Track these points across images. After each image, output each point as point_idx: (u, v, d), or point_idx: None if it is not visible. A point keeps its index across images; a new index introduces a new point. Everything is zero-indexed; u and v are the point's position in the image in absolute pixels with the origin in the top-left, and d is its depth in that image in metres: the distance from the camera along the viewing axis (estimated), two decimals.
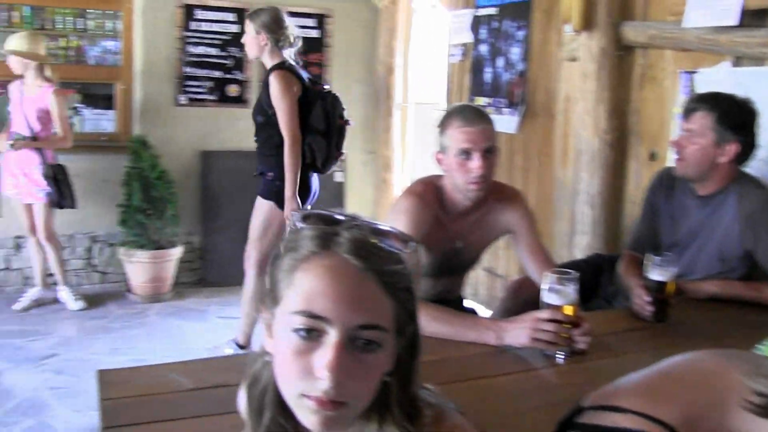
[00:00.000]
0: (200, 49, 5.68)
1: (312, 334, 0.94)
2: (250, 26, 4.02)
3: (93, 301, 5.28)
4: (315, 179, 4.17)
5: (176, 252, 5.42)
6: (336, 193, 6.09)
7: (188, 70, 5.67)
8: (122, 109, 5.68)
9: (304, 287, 0.95)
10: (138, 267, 5.29)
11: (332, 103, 4.06)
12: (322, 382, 0.92)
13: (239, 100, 5.82)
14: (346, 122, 4.16)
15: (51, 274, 5.17)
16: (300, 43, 4.11)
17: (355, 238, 0.98)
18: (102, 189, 5.43)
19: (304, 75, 4.05)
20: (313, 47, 5.97)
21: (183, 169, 5.66)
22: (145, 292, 5.33)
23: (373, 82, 6.24)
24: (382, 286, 0.96)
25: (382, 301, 0.97)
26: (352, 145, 6.05)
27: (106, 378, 1.77)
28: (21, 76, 4.82)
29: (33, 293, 5.09)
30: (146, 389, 1.73)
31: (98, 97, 5.73)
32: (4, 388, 3.82)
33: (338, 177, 6.07)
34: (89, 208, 5.40)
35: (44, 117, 4.82)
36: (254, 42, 4.01)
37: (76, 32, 5.56)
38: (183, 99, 5.69)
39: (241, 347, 4.24)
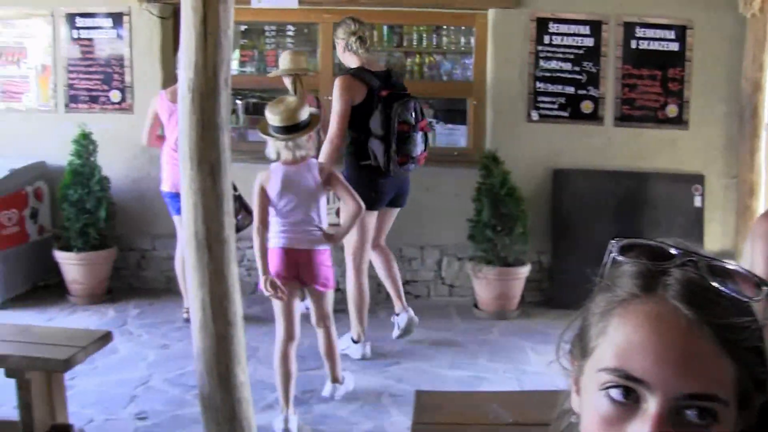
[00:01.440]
0: (553, 64, 5.53)
1: (627, 399, 0.72)
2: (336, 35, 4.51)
3: (439, 312, 5.41)
4: (389, 184, 4.39)
5: (524, 270, 5.32)
6: (694, 220, 5.49)
7: (540, 85, 5.56)
8: (474, 125, 5.76)
9: (619, 339, 0.75)
10: (485, 283, 5.30)
11: (397, 109, 4.25)
12: None
13: (593, 117, 5.55)
14: (411, 128, 4.29)
15: None
16: (364, 48, 4.44)
17: (689, 279, 0.75)
18: (453, 203, 5.54)
19: (375, 79, 4.33)
20: (672, 61, 5.50)
21: (533, 186, 5.55)
22: (491, 309, 5.31)
23: (737, 99, 5.51)
24: (720, 344, 0.72)
25: (720, 363, 0.72)
26: (711, 168, 5.45)
27: (423, 400, 1.70)
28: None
29: None
30: (462, 417, 1.63)
31: (451, 112, 5.89)
32: (351, 390, 4.02)
33: (697, 202, 5.48)
34: (441, 221, 5.56)
35: None
36: (338, 49, 4.53)
37: (430, 49, 5.80)
38: (535, 115, 5.59)
39: (355, 341, 4.52)
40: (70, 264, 5.42)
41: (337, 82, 4.33)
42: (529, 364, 4.46)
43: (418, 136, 4.38)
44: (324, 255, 3.67)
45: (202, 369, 2.72)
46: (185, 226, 2.46)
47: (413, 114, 4.36)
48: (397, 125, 4.26)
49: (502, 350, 4.70)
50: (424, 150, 4.46)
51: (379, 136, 4.27)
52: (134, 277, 5.93)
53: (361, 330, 4.52)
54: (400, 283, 4.79)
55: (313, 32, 5.99)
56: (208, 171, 2.35)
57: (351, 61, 4.47)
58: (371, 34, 4.72)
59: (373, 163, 4.30)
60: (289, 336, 3.59)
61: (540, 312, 5.46)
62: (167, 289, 5.83)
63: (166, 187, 5.00)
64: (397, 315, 4.71)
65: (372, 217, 4.38)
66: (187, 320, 5.07)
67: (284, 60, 5.05)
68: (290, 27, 6.16)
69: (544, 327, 5.12)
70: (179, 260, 4.85)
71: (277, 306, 3.61)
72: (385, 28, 5.87)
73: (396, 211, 4.73)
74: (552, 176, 5.59)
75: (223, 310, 2.56)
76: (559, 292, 5.55)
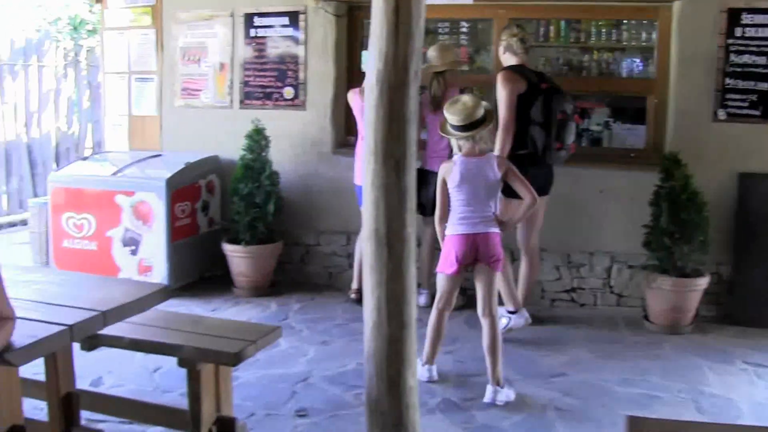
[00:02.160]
0: (745, 58, 5.07)
1: None
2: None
3: (606, 323, 5.13)
4: (541, 173, 4.62)
5: (702, 282, 4.93)
6: None
7: (730, 82, 5.11)
8: (653, 124, 5.41)
9: None
10: (658, 293, 4.94)
11: (557, 100, 4.60)
12: None
13: None
14: (568, 117, 4.64)
15: None
16: (524, 49, 4.71)
17: None
18: (627, 207, 5.25)
19: (533, 75, 4.69)
20: None
21: (717, 191, 5.14)
22: (663, 322, 4.96)
23: None
24: None
25: None
26: None
27: (637, 427, 1.51)
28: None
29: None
30: None
31: (628, 111, 5.57)
32: (512, 399, 3.86)
33: None
34: (613, 225, 5.28)
35: None
36: (499, 50, 4.85)
37: (609, 44, 5.52)
38: (722, 114, 5.15)
39: (512, 312, 4.76)
40: (237, 256, 5.57)
41: (501, 76, 4.63)
42: (708, 384, 4.09)
43: (573, 126, 4.73)
44: (498, 237, 3.93)
45: (372, 371, 2.64)
46: (365, 222, 2.38)
47: (569, 105, 4.70)
48: (558, 114, 4.62)
49: (676, 367, 4.35)
50: (575, 140, 4.80)
51: (539, 123, 4.58)
52: (297, 271, 6.02)
53: (514, 302, 4.79)
54: (527, 287, 4.98)
55: (487, 29, 5.86)
56: (392, 166, 2.26)
57: (510, 61, 4.76)
58: (530, 38, 4.95)
59: (529, 151, 4.59)
60: (448, 304, 4.04)
61: (716, 328, 5.05)
62: (329, 284, 5.89)
63: (358, 180, 5.16)
64: (514, 312, 4.78)
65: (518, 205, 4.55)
66: (356, 300, 5.13)
67: (432, 55, 5.10)
68: (464, 24, 6.07)
69: (722, 345, 4.73)
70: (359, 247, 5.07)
71: (444, 281, 3.99)
72: (562, 23, 5.64)
73: (545, 198, 4.79)
74: (737, 180, 5.15)
75: (399, 311, 2.46)
76: (740, 307, 5.13)
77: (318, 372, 4.19)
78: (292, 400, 3.81)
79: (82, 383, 3.58)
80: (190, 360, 2.96)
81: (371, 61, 2.29)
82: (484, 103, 3.93)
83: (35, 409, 3.29)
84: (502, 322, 4.55)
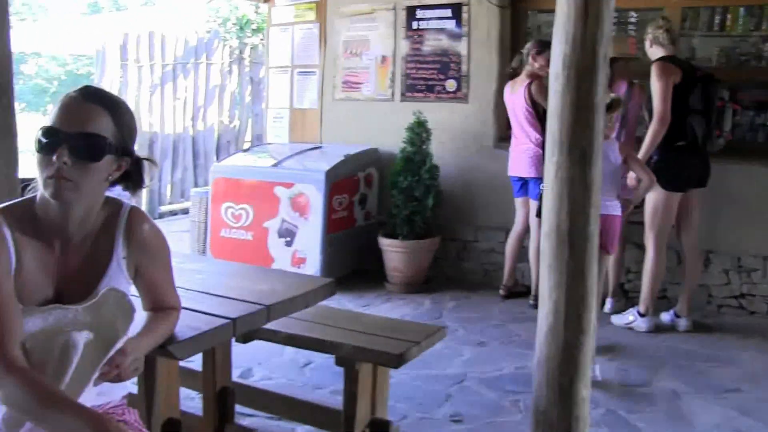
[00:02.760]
0: None
1: None
2: None
3: None
4: (699, 164, 4.61)
5: None
6: None
7: None
8: None
9: None
10: None
11: (714, 87, 4.56)
12: None
13: None
14: (725, 103, 4.61)
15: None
16: (670, 39, 4.60)
17: None
18: None
19: (686, 65, 4.63)
20: None
21: None
22: None
23: None
24: None
25: None
26: None
27: None
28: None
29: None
30: None
31: None
32: (682, 414, 3.54)
33: None
34: None
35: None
36: (646, 45, 4.74)
37: None
38: None
39: (642, 315, 4.70)
40: (393, 251, 5.49)
41: (655, 67, 4.53)
42: None
43: (731, 112, 4.70)
44: (618, 220, 4.14)
45: (542, 379, 2.44)
46: (545, 218, 2.20)
47: (726, 92, 4.70)
48: (717, 102, 4.60)
49: None
50: (732, 128, 4.79)
51: (699, 111, 4.53)
52: (453, 267, 5.88)
53: (650, 304, 4.70)
54: (688, 289, 4.78)
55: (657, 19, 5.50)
56: (578, 157, 2.06)
57: (658, 54, 4.64)
58: (676, 29, 4.87)
59: (688, 141, 4.53)
60: None
61: None
62: (485, 282, 5.71)
63: (512, 171, 5.27)
64: (642, 315, 4.71)
65: (676, 198, 4.60)
66: (533, 306, 4.99)
67: None
68: (632, 13, 5.73)
69: None
70: (533, 250, 5.05)
71: None
72: (741, 10, 5.24)
73: (701, 191, 4.71)
74: None
75: (578, 315, 2.25)
76: None
77: (473, 374, 4.01)
78: (447, 404, 3.65)
79: (232, 374, 3.59)
80: (348, 359, 2.86)
81: (556, 45, 2.11)
82: (613, 94, 4.14)
83: (185, 398, 3.27)
84: (628, 318, 4.75)
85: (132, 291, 1.90)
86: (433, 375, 3.99)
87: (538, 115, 4.92)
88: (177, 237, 7.34)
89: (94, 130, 1.66)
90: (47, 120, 1.67)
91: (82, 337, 1.73)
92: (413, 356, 2.85)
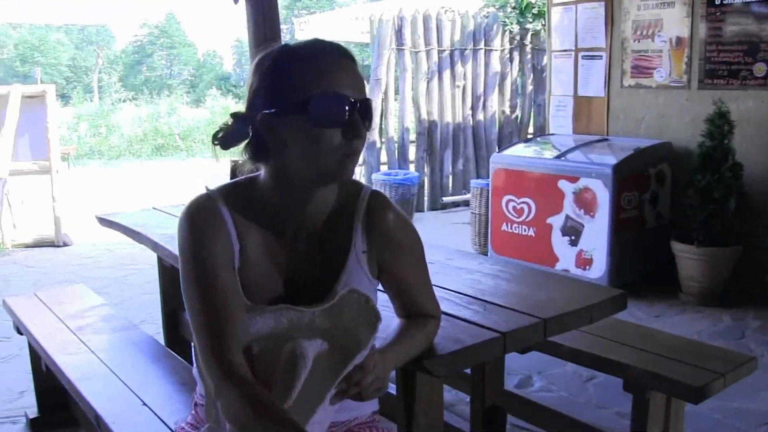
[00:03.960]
0: None
1: None
2: None
3: None
4: None
5: None
6: None
7: None
8: None
9: None
10: None
11: None
12: None
13: None
14: None
15: None
16: None
17: None
18: None
19: None
20: None
21: None
22: None
23: None
24: None
25: None
26: None
27: None
28: None
29: None
30: None
31: None
32: None
33: None
34: None
35: None
36: None
37: None
38: None
39: None
40: (688, 258, 4.88)
41: None
42: None
43: None
44: None
45: None
46: None
47: None
48: None
49: None
50: None
51: None
52: (756, 281, 5.08)
53: None
54: None
55: None
56: None
57: None
58: None
59: None
60: None
61: None
62: None
63: None
64: None
65: None
66: None
67: None
68: None
69: None
70: None
71: None
72: None
73: None
74: None
75: None
76: None
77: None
78: None
79: (509, 382, 3.34)
80: (638, 384, 2.49)
81: None
82: None
83: (454, 403, 3.10)
84: None
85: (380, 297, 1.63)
86: (735, 409, 3.41)
87: None
88: (458, 228, 7.30)
89: (368, 95, 1.43)
90: (319, 87, 1.37)
91: (312, 347, 1.44)
92: (716, 391, 2.40)
